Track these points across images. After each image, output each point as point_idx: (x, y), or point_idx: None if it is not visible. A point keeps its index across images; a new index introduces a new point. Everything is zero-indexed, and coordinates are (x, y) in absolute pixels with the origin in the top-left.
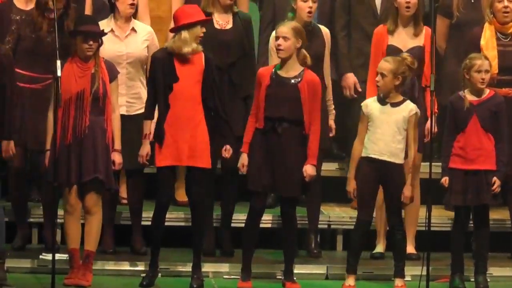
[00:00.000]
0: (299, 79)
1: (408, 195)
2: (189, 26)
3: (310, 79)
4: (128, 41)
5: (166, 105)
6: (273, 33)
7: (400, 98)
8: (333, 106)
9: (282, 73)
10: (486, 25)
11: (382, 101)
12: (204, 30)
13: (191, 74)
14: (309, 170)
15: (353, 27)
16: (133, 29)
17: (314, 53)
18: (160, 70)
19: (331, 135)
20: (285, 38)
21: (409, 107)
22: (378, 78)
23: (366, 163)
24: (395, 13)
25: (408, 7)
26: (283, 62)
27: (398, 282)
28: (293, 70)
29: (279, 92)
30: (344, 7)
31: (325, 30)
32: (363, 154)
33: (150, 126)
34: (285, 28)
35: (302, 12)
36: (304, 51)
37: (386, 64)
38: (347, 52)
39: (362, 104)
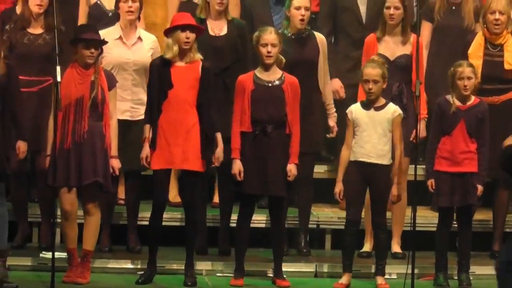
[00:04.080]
0: (282, 82)
1: (396, 193)
2: (170, 32)
3: (291, 81)
4: (135, 49)
5: (159, 111)
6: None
7: (383, 101)
8: (334, 110)
9: (264, 77)
10: (479, 33)
11: (366, 106)
12: (188, 34)
13: (186, 81)
14: (293, 169)
15: (339, 34)
16: (139, 38)
17: (306, 60)
18: (157, 77)
19: (332, 135)
20: (273, 45)
21: (392, 109)
22: (371, 85)
23: (354, 166)
24: (383, 22)
25: (392, 18)
26: (268, 67)
27: (379, 280)
28: (274, 74)
29: (265, 95)
30: (329, 14)
31: (320, 37)
32: (352, 158)
33: (149, 130)
34: (274, 35)
35: (295, 20)
36: (279, 55)
37: (377, 70)
38: (332, 58)
39: (347, 111)
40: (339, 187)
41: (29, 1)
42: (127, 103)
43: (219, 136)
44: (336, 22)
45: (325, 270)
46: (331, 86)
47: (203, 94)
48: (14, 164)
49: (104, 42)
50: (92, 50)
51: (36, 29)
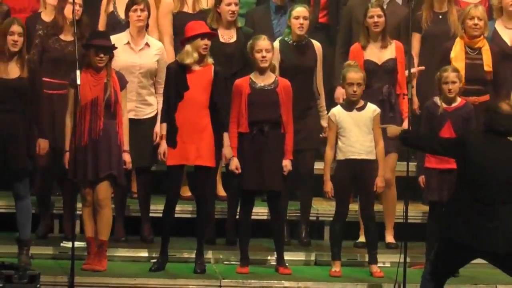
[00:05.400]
0: (276, 85)
1: (381, 185)
2: (190, 39)
3: (284, 84)
4: (141, 54)
5: (175, 111)
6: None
7: (362, 102)
8: (326, 112)
9: (259, 81)
10: (458, 39)
11: (348, 108)
12: (206, 41)
13: (200, 83)
14: (288, 165)
15: (352, 45)
16: (147, 44)
17: (306, 66)
18: (173, 80)
19: (324, 135)
20: (267, 50)
21: (372, 108)
22: (355, 88)
23: (344, 164)
24: (366, 31)
25: (376, 25)
26: (263, 71)
27: (374, 268)
28: (269, 78)
29: (261, 98)
30: (346, 26)
31: (317, 44)
32: (341, 158)
33: (165, 129)
34: (267, 42)
35: (295, 28)
36: (273, 62)
37: (359, 74)
38: (341, 67)
39: (329, 114)
40: (329, 186)
41: (65, 10)
42: (132, 103)
43: (226, 136)
44: (352, 34)
45: (324, 259)
46: (336, 93)
47: (215, 96)
48: (42, 161)
49: (114, 48)
50: (101, 55)
51: (67, 36)
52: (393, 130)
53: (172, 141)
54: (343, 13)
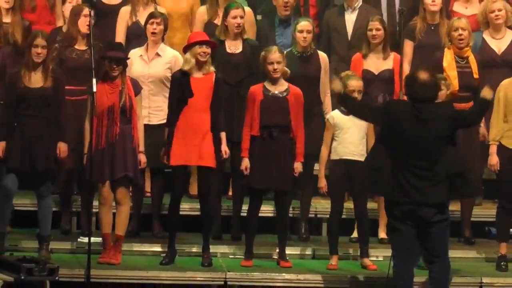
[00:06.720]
0: (287, 93)
1: None
2: (188, 47)
3: (296, 92)
4: (152, 64)
5: (179, 116)
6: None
7: None
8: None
9: (272, 89)
10: (446, 50)
11: (345, 112)
12: (204, 49)
13: (202, 90)
14: (299, 167)
15: (331, 51)
16: (158, 54)
17: (309, 75)
18: (177, 87)
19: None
20: (278, 62)
21: None
22: (356, 94)
23: (338, 164)
24: (366, 42)
25: (374, 37)
26: (275, 80)
27: (367, 261)
28: (281, 86)
29: (272, 105)
30: (326, 34)
31: (322, 55)
32: (335, 157)
33: (167, 133)
34: (278, 54)
35: (299, 40)
36: (284, 67)
37: (360, 82)
38: None
39: (327, 116)
40: (323, 182)
41: (79, 23)
42: (146, 110)
43: (223, 135)
44: (330, 41)
45: (321, 253)
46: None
47: (215, 101)
48: (68, 163)
49: (126, 59)
50: (114, 65)
51: (81, 46)
52: (337, 86)
53: (176, 143)
54: (322, 23)
